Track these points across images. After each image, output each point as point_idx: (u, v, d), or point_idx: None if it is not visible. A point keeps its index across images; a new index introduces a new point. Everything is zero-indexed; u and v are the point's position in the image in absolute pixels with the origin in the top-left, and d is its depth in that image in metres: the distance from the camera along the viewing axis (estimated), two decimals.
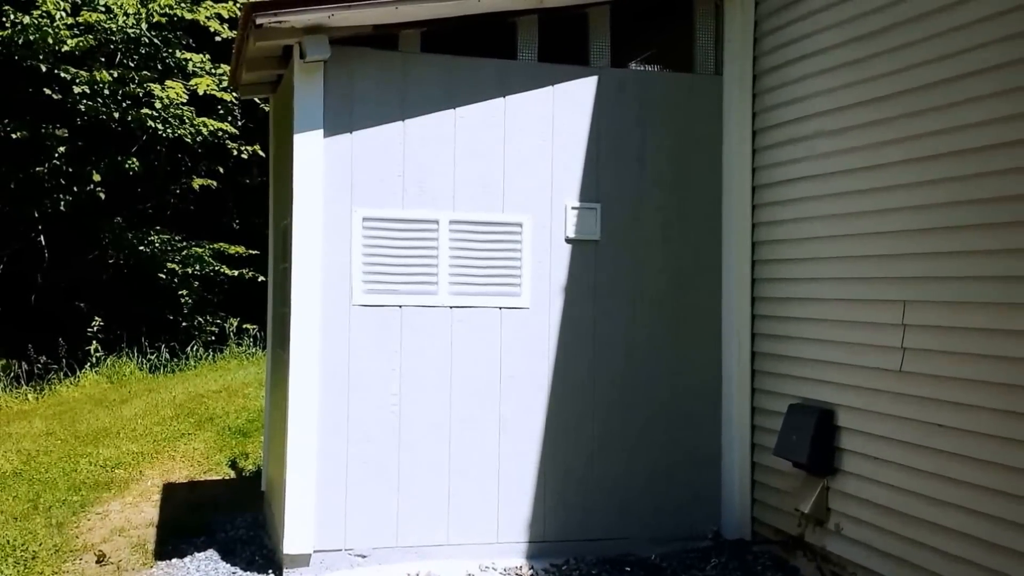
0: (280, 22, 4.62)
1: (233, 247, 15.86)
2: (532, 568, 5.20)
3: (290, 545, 4.93)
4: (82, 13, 13.87)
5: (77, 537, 5.93)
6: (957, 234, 4.08)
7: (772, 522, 5.36)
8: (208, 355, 14.87)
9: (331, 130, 5.00)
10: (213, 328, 15.81)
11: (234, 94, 14.12)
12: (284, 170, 5.44)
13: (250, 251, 15.73)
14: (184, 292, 15.56)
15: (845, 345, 4.74)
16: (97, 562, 5.44)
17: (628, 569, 5.20)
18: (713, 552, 5.38)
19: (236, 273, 15.92)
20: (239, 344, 15.47)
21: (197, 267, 15.39)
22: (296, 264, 4.96)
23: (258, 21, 4.59)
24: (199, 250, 15.40)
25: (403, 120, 5.12)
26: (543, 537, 5.32)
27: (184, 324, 15.72)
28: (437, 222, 5.16)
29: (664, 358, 5.51)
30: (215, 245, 15.74)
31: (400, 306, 5.13)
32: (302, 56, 4.85)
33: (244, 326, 15.78)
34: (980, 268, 3.96)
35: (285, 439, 5.01)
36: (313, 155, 4.95)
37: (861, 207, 4.65)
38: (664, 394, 5.51)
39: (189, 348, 14.87)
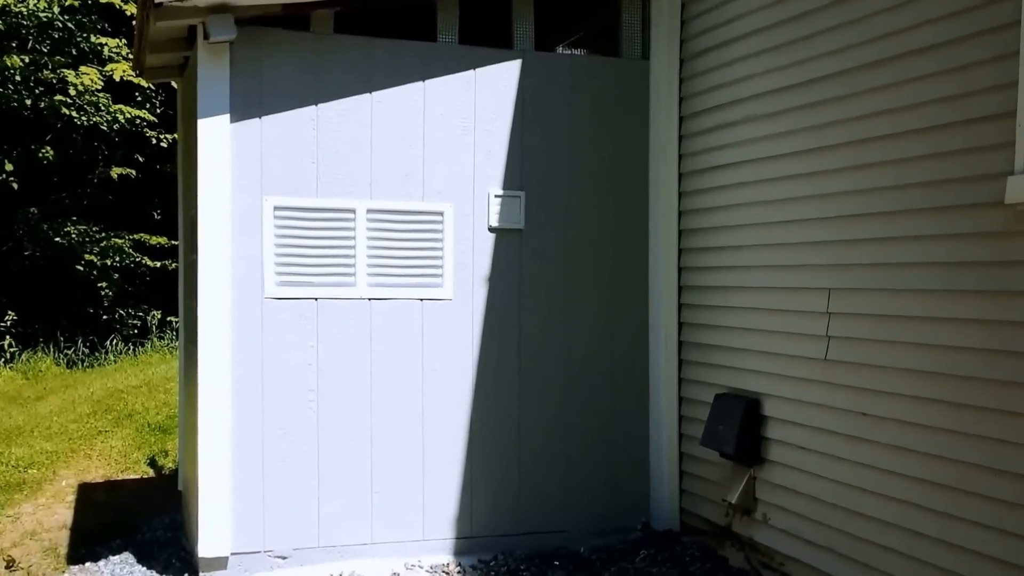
0: (181, 0, 4.37)
1: (155, 238, 15.39)
2: (459, 565, 5.09)
3: (205, 548, 4.76)
4: None
5: None
6: (880, 220, 4.02)
7: (701, 512, 5.31)
8: (129, 349, 14.42)
9: (239, 115, 4.77)
10: (135, 321, 15.35)
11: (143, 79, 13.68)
12: (192, 158, 5.19)
13: (172, 242, 15.20)
14: (104, 284, 15.07)
15: (770, 334, 4.69)
16: (7, 567, 5.21)
17: (557, 563, 5.12)
18: (642, 544, 5.32)
19: (158, 264, 15.46)
20: (161, 337, 15.03)
21: (117, 259, 14.89)
22: (203, 256, 4.73)
23: None
24: (119, 241, 14.90)
25: (316, 104, 4.91)
26: (471, 533, 5.21)
27: (104, 317, 15.22)
28: (354, 211, 4.97)
29: (591, 349, 5.42)
30: (135, 236, 15.25)
31: (316, 299, 4.95)
32: (206, 37, 4.60)
33: (167, 319, 15.33)
34: (905, 255, 3.90)
35: (197, 438, 4.81)
36: (219, 141, 4.72)
37: (787, 194, 4.58)
38: (592, 385, 5.42)
39: (109, 342, 14.40)
